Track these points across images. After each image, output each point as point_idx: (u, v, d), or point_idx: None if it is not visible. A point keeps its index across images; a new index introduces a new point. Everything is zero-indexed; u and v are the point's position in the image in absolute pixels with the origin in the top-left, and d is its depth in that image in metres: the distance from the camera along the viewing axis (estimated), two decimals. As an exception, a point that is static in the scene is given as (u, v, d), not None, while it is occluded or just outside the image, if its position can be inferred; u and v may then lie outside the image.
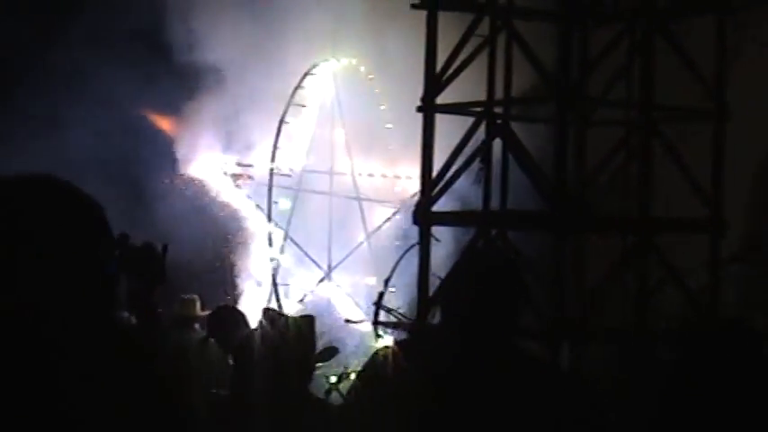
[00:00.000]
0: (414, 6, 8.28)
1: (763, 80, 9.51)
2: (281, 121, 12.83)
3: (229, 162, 15.07)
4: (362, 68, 14.33)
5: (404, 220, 11.74)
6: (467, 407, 4.33)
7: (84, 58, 14.55)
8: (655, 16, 8.03)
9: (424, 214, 8.16)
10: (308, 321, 5.76)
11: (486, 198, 8.13)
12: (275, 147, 13.57)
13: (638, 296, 7.95)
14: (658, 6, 8.13)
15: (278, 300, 10.31)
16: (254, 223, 14.98)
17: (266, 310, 6.30)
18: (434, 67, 8.15)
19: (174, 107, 15.30)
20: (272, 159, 14.06)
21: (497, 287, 4.43)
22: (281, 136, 13.90)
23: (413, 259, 8.84)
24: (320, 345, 7.68)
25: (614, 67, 8.24)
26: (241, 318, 10.30)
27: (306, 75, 13.42)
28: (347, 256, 11.28)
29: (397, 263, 9.64)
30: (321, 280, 11.37)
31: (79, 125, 14.63)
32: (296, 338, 5.56)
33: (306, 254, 12.48)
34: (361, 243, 11.67)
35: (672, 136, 8.26)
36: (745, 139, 10.06)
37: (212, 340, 10.06)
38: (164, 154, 15.57)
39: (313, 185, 14.60)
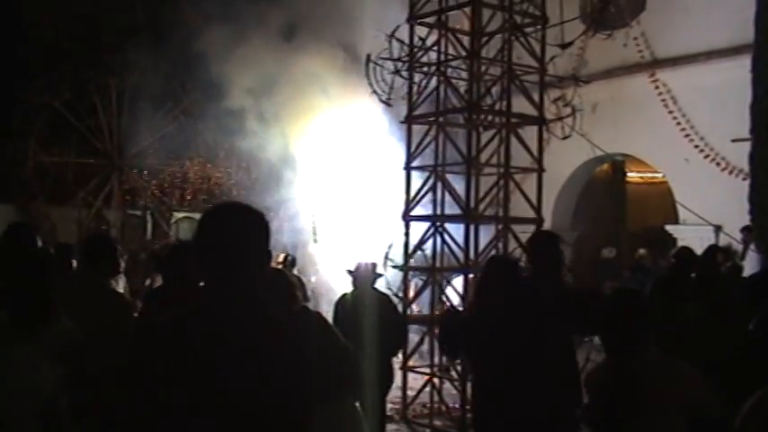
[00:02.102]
0: (401, 122, 9.97)
1: (557, 154, 11.73)
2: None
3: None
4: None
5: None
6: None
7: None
8: (510, 124, 9.70)
9: (406, 216, 9.81)
10: None
11: (435, 207, 9.88)
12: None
13: (504, 252, 9.57)
14: (511, 121, 9.65)
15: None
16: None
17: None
18: (411, 146, 9.85)
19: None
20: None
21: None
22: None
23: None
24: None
25: (492, 149, 9.95)
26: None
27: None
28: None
29: (390, 246, 10.42)
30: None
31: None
32: None
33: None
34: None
35: (519, 180, 9.91)
36: (551, 180, 12.57)
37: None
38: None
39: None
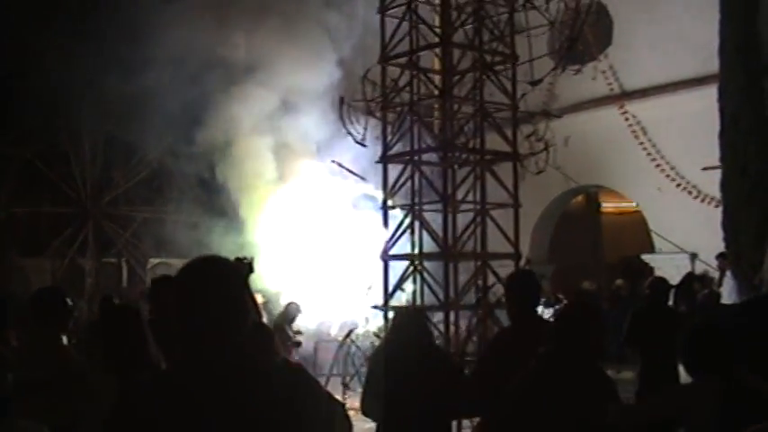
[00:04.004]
0: (377, 162, 9.90)
1: (532, 188, 11.50)
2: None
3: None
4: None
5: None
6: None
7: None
8: (484, 161, 9.78)
9: (384, 255, 9.73)
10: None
11: (413, 246, 9.79)
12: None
13: (483, 288, 9.66)
14: (485, 158, 9.73)
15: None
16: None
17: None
18: (387, 186, 9.78)
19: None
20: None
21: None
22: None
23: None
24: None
25: (468, 186, 9.86)
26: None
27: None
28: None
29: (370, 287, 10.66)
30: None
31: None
32: None
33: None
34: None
35: (495, 215, 9.81)
36: (527, 214, 12.97)
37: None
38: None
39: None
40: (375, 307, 10.04)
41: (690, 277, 13.53)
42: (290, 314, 11.91)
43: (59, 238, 22.40)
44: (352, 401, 12.34)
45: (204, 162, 17.76)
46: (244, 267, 5.02)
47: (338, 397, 6.55)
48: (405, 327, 5.38)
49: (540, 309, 8.30)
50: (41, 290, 5.41)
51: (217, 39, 16.29)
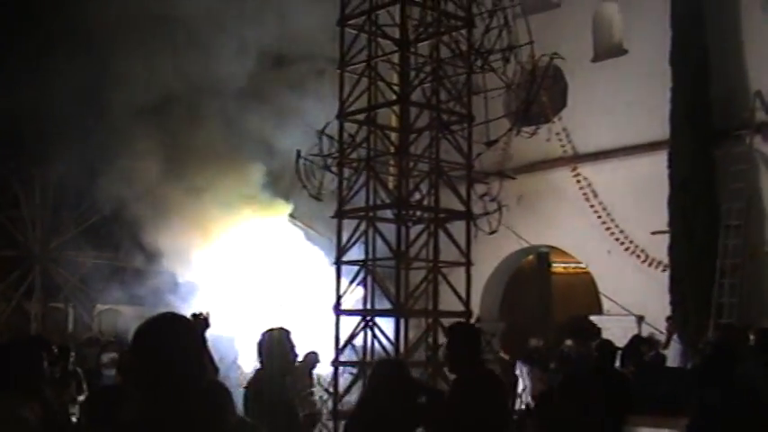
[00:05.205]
0: (332, 217, 9.93)
1: (484, 247, 11.74)
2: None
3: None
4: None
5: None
6: None
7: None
8: (438, 220, 9.81)
9: (336, 310, 9.72)
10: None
11: (365, 301, 9.87)
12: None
13: (434, 345, 9.58)
14: (439, 216, 9.77)
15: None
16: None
17: None
18: (341, 241, 9.81)
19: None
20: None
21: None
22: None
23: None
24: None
25: (421, 243, 9.92)
26: None
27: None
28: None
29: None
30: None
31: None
32: None
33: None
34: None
35: (447, 272, 9.85)
36: (479, 272, 12.90)
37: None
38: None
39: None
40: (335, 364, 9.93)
41: (636, 339, 13.72)
42: (309, 363, 11.85)
43: (5, 282, 22.01)
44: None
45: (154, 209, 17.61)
46: (200, 323, 5.02)
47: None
48: (388, 384, 5.16)
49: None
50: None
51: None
